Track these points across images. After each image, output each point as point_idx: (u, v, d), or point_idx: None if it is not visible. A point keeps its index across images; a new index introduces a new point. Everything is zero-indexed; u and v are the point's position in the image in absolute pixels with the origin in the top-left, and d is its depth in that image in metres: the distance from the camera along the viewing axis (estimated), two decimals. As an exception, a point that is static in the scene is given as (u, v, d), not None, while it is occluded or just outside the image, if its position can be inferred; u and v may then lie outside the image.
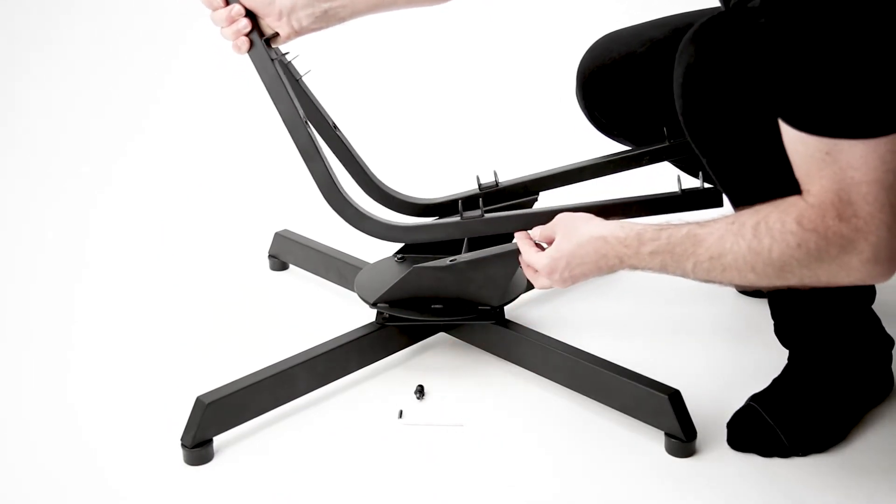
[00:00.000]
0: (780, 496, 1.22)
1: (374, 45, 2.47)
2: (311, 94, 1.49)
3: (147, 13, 2.94)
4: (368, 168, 1.53)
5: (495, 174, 1.52)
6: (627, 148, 1.51)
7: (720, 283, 1.09)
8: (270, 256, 1.80)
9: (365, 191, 1.53)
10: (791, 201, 1.01)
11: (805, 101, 0.96)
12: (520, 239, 1.32)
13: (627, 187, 1.49)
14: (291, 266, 1.80)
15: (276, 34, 1.32)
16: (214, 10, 1.29)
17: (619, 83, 1.46)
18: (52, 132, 2.46)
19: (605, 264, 1.17)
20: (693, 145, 1.17)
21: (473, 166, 1.66)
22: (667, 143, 1.45)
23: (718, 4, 1.20)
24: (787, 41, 0.96)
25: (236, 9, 1.28)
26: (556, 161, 1.54)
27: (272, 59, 1.31)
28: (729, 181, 1.17)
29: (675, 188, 1.39)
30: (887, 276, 1.00)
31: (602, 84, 1.48)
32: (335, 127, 1.51)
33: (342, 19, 1.32)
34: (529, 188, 1.51)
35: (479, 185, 1.52)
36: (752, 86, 1.09)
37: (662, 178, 1.49)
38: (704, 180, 1.36)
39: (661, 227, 1.11)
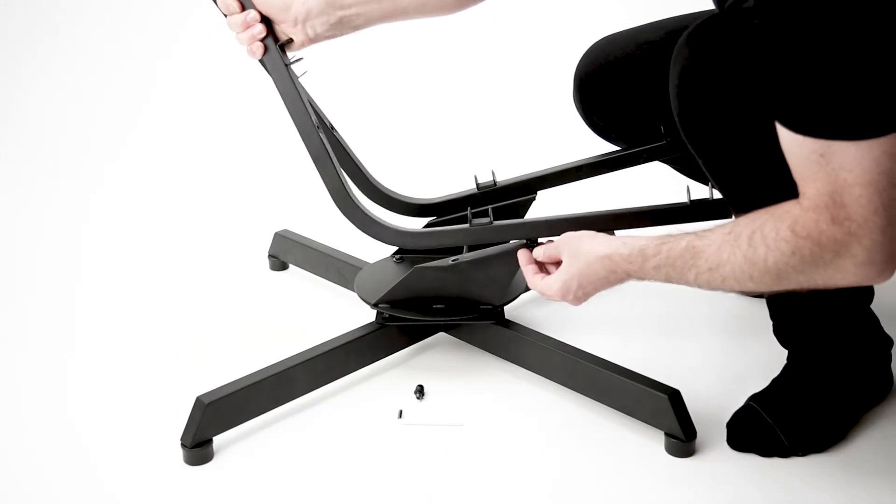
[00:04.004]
0: (780, 496, 1.22)
1: (372, 44, 2.47)
2: (308, 94, 1.49)
3: (143, 11, 2.94)
4: (365, 168, 1.53)
5: (493, 174, 1.52)
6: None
7: (724, 290, 1.10)
8: (270, 256, 1.81)
9: (362, 190, 1.53)
10: (786, 208, 1.02)
11: (799, 102, 0.97)
12: (526, 268, 1.31)
13: (629, 190, 1.49)
14: (291, 266, 1.80)
15: (291, 40, 1.33)
16: (230, 14, 1.30)
17: (616, 86, 1.46)
18: (48, 132, 2.46)
19: (615, 278, 1.19)
20: (689, 146, 1.18)
21: (471, 166, 1.66)
22: (663, 142, 1.46)
23: (704, 17, 1.20)
24: (781, 42, 0.96)
25: (252, 14, 1.29)
26: (553, 161, 1.54)
27: (287, 65, 1.32)
28: (726, 182, 1.18)
29: (683, 198, 1.39)
30: (883, 277, 1.01)
31: (599, 87, 1.48)
32: (332, 127, 1.51)
33: (356, 27, 1.33)
34: (527, 187, 1.51)
35: (477, 184, 1.52)
36: (747, 87, 1.09)
37: (666, 185, 1.50)
38: (695, 181, 1.36)
39: (663, 241, 1.12)
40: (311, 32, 1.31)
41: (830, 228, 0.98)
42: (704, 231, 1.09)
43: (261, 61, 1.34)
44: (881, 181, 0.95)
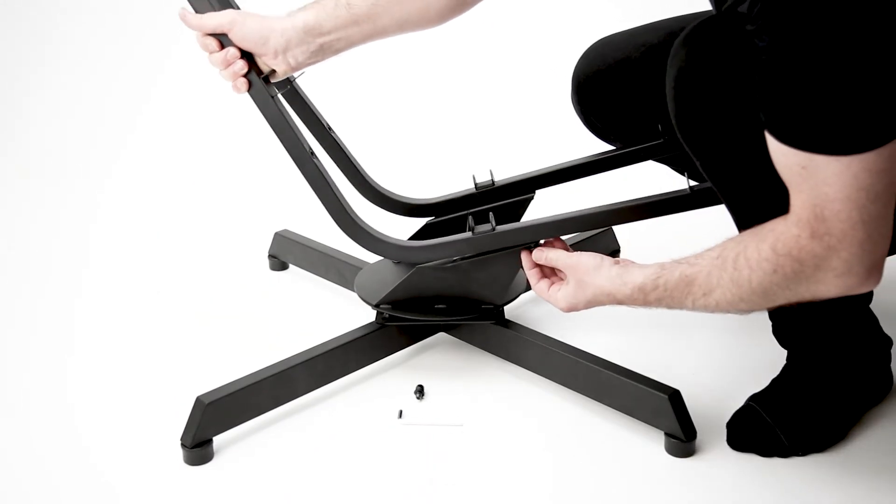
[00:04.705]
0: (780, 496, 1.22)
1: (370, 44, 2.47)
2: (305, 96, 1.49)
3: (144, 11, 2.94)
4: (362, 168, 1.53)
5: (491, 173, 1.52)
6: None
7: (723, 312, 1.13)
8: (270, 256, 1.81)
9: (359, 191, 1.53)
10: (770, 227, 1.04)
11: (785, 113, 0.97)
12: (530, 272, 1.33)
13: (628, 188, 1.49)
14: (291, 266, 1.80)
15: (274, 71, 1.31)
16: (211, 53, 1.29)
17: (615, 89, 1.46)
18: (49, 133, 2.46)
19: (619, 305, 1.23)
20: (686, 148, 1.18)
21: (470, 166, 1.66)
22: (661, 140, 1.45)
23: (702, 18, 1.20)
24: (770, 52, 0.96)
25: (231, 52, 1.28)
26: (551, 160, 1.54)
27: (272, 97, 1.31)
28: (722, 183, 1.18)
29: (684, 188, 1.38)
30: (865, 286, 1.03)
31: (598, 90, 1.48)
32: (329, 128, 1.51)
33: (338, 51, 1.32)
34: (525, 186, 1.51)
35: (476, 184, 1.52)
36: (743, 90, 1.09)
37: (665, 183, 1.49)
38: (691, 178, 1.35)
39: (658, 274, 1.16)
40: (292, 62, 1.30)
41: (810, 244, 1.00)
42: (695, 257, 1.13)
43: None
44: (861, 197, 0.97)
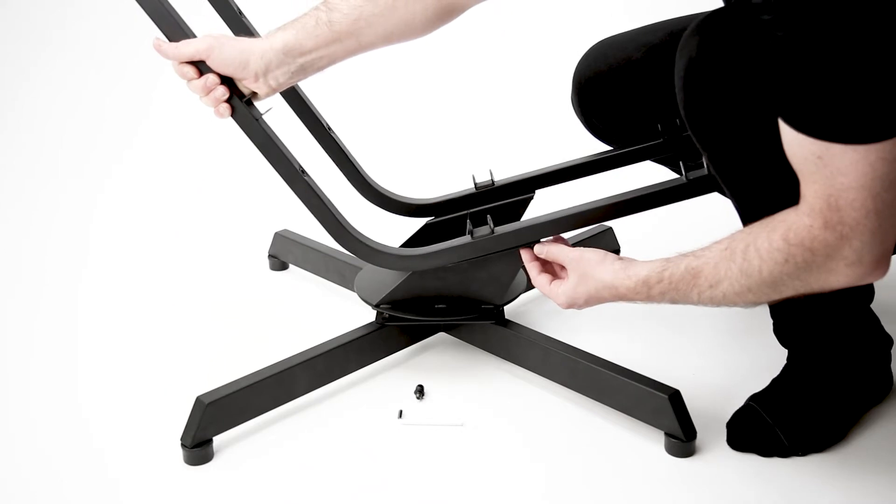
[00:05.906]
0: (780, 496, 1.22)
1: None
2: (304, 95, 1.49)
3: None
4: (362, 168, 1.53)
5: (491, 173, 1.52)
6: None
7: (728, 306, 1.12)
8: (270, 256, 1.81)
9: (359, 191, 1.53)
10: (781, 217, 1.04)
11: (802, 101, 0.97)
12: (530, 265, 1.33)
13: (627, 188, 1.49)
14: (291, 266, 1.80)
15: (255, 93, 1.28)
16: (189, 80, 1.26)
17: (617, 90, 1.46)
18: (52, 133, 2.46)
19: (621, 300, 1.22)
20: (694, 139, 1.18)
21: (469, 166, 1.66)
22: (660, 140, 1.45)
23: (712, 9, 1.20)
24: (788, 41, 0.96)
25: (211, 78, 1.24)
26: (551, 160, 1.54)
27: (256, 119, 1.28)
28: (729, 175, 1.17)
29: (681, 178, 1.38)
30: (874, 276, 1.03)
31: (599, 91, 1.47)
32: (329, 128, 1.50)
33: (320, 69, 1.29)
34: (525, 186, 1.51)
35: (475, 184, 1.52)
36: (754, 81, 1.09)
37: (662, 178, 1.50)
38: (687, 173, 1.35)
39: (663, 267, 1.15)
40: (273, 83, 1.27)
41: (822, 234, 1.00)
42: (702, 250, 1.12)
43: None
44: (875, 185, 0.96)
